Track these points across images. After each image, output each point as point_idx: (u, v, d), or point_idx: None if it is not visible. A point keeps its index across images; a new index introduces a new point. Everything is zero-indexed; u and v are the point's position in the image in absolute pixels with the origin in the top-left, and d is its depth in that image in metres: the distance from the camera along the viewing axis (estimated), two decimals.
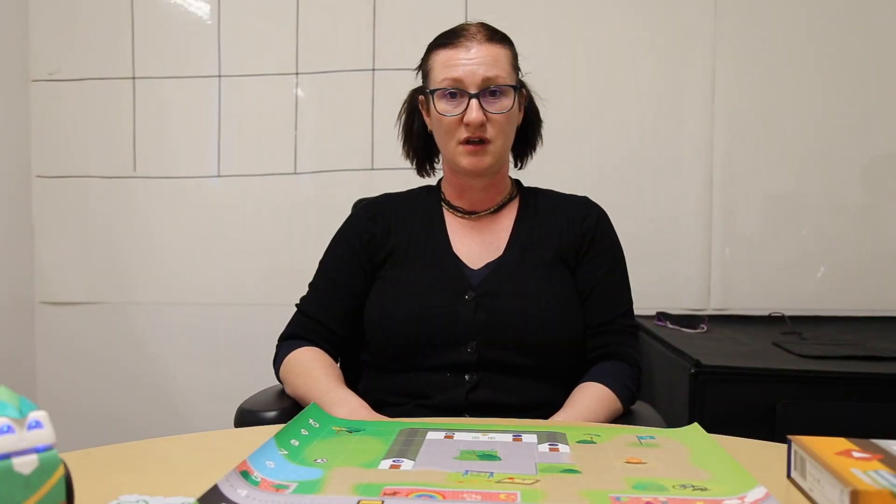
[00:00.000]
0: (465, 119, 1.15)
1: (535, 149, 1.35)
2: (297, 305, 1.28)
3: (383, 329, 1.20)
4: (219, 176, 2.24)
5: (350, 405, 1.05)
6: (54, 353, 2.29)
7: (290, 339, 1.24)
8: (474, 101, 1.14)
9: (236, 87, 2.22)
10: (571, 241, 1.24)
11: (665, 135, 2.13)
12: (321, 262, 1.30)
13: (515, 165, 1.35)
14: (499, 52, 1.18)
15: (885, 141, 2.09)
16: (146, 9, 2.23)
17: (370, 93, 2.18)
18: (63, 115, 2.25)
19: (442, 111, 1.17)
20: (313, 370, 1.15)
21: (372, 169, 2.19)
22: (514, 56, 1.22)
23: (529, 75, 1.28)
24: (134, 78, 2.24)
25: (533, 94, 1.31)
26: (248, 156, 2.23)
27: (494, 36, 1.19)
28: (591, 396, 1.13)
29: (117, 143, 2.25)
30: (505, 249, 1.24)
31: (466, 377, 1.15)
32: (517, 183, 1.34)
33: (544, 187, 1.34)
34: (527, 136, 1.32)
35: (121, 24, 2.23)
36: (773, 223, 2.13)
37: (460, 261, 1.23)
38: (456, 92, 1.16)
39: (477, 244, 1.25)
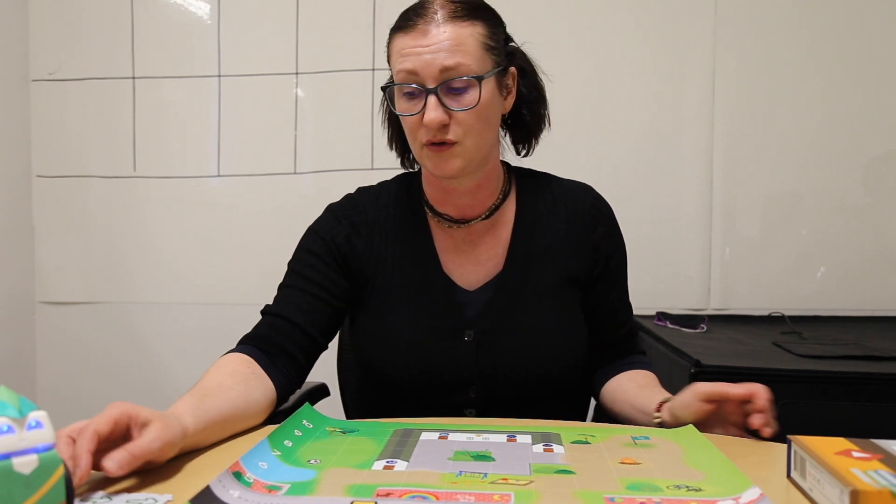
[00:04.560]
0: (423, 120, 0.97)
1: (534, 133, 1.15)
2: (262, 312, 1.09)
3: (375, 370, 1.10)
4: (219, 176, 2.24)
5: (158, 428, 0.71)
6: (54, 352, 2.30)
7: (244, 345, 1.04)
8: (432, 99, 0.96)
9: (236, 87, 2.22)
10: (579, 252, 1.11)
11: (665, 135, 2.13)
12: (291, 263, 1.13)
13: (518, 153, 1.17)
14: (463, 32, 0.97)
15: (885, 141, 2.08)
16: (146, 9, 2.23)
17: (370, 93, 2.18)
18: (63, 115, 2.26)
19: (400, 111, 1.01)
20: (204, 377, 0.93)
21: (372, 169, 2.19)
22: (490, 33, 1.01)
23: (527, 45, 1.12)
24: (134, 78, 2.24)
25: (536, 67, 1.12)
26: (248, 156, 2.23)
27: (458, 11, 0.98)
28: (657, 384, 1.10)
29: (117, 143, 2.25)
30: (504, 266, 1.10)
31: (466, 412, 1.08)
32: (509, 170, 1.17)
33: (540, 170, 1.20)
34: (523, 119, 1.12)
35: (121, 24, 2.23)
36: (773, 223, 2.12)
37: (453, 284, 1.09)
38: (413, 88, 0.98)
39: (471, 262, 1.10)
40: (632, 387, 1.09)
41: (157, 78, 2.24)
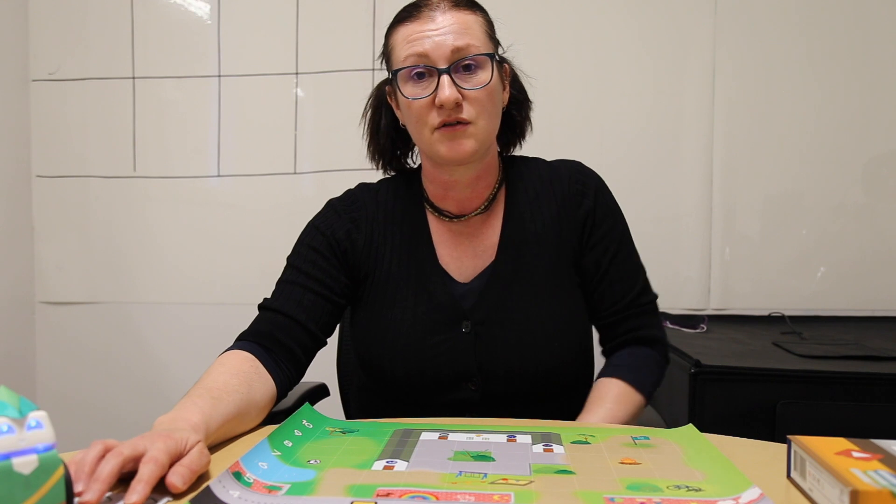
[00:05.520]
0: (436, 100, 0.98)
1: (524, 135, 1.17)
2: (261, 307, 1.09)
3: (374, 366, 1.09)
4: (219, 176, 2.24)
5: (157, 429, 0.75)
6: (54, 352, 2.30)
7: (245, 341, 1.03)
8: (445, 78, 0.97)
9: (236, 87, 2.22)
10: (570, 233, 1.10)
11: (665, 134, 2.13)
12: (290, 258, 1.13)
13: (505, 154, 1.20)
14: (468, 18, 1.01)
15: (885, 141, 2.09)
16: (146, 9, 2.23)
17: (370, 93, 2.18)
18: (63, 115, 2.26)
19: (409, 94, 1.00)
20: (209, 376, 0.92)
21: (372, 169, 2.18)
22: (489, 23, 1.05)
23: (512, 48, 1.14)
24: (134, 78, 2.24)
25: (517, 72, 1.14)
26: (248, 156, 2.24)
27: (460, 1, 1.02)
28: (611, 398, 1.05)
29: (117, 143, 2.25)
30: (496, 255, 1.10)
31: (466, 415, 1.05)
32: (501, 160, 1.17)
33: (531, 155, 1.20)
34: (514, 120, 1.15)
35: (121, 24, 2.23)
36: (773, 223, 2.12)
37: (449, 277, 1.09)
38: (423, 70, 0.99)
39: (468, 254, 1.11)
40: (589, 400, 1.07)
41: (157, 78, 2.24)
